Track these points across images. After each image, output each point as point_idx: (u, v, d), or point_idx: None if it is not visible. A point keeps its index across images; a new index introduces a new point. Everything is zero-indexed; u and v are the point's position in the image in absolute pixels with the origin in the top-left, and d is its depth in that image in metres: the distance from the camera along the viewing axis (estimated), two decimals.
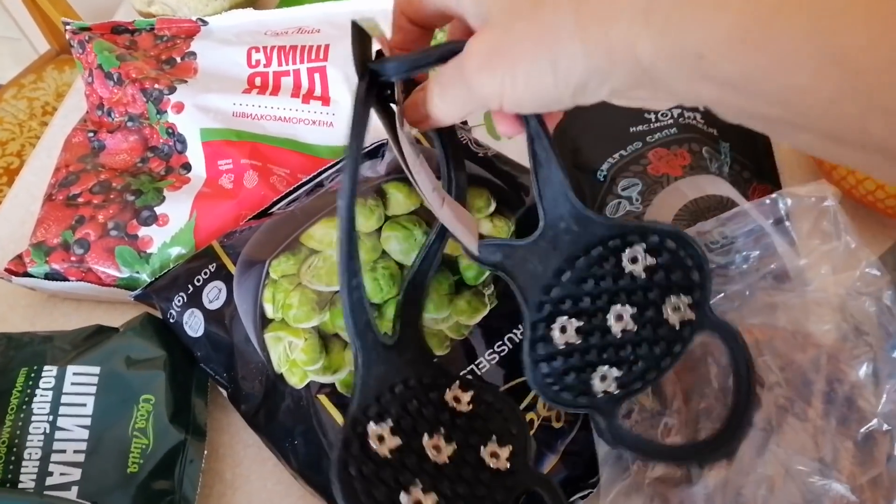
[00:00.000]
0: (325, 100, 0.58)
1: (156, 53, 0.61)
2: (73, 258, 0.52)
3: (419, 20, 0.33)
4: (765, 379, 0.42)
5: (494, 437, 0.30)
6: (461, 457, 0.29)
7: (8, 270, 0.53)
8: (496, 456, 0.30)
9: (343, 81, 0.58)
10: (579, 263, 0.32)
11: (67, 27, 0.62)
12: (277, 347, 0.44)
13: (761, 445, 0.39)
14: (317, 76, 0.58)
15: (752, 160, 0.55)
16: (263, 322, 0.45)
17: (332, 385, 0.42)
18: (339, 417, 0.41)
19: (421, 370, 0.31)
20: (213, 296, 0.47)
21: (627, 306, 0.32)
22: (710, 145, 0.54)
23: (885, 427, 0.38)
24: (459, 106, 0.31)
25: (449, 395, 0.31)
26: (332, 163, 0.53)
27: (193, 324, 0.47)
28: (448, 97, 0.31)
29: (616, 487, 0.41)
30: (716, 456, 0.35)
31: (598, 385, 0.32)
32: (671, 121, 0.55)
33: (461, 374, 0.43)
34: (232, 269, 0.47)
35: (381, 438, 0.28)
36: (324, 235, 0.46)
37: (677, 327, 0.33)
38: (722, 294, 0.45)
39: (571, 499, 0.42)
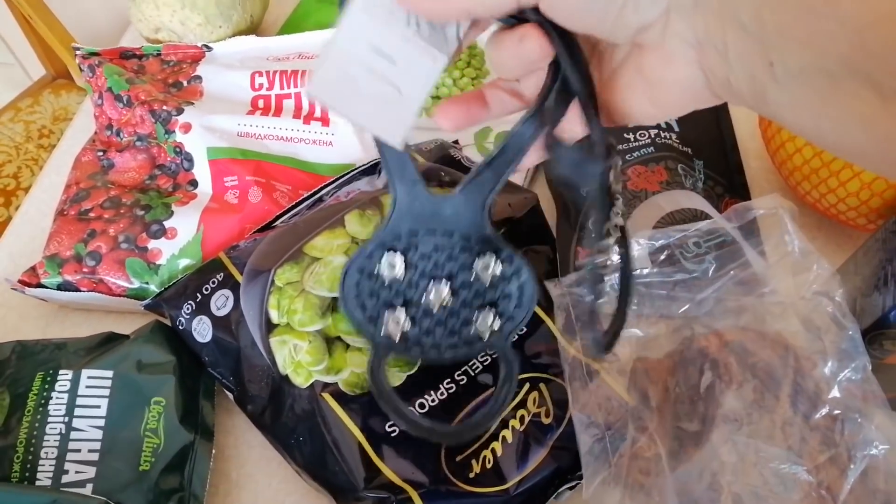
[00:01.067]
0: (325, 121, 0.61)
1: (163, 77, 0.64)
2: (85, 269, 0.55)
3: None
4: (737, 376, 0.46)
5: (495, 311, 0.33)
6: (455, 310, 0.33)
7: (22, 282, 0.55)
8: (483, 324, 0.33)
9: None
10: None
11: (78, 52, 0.65)
12: (283, 350, 0.47)
13: (734, 436, 0.43)
14: None
15: (724, 176, 0.59)
16: (269, 327, 0.47)
17: (336, 384, 0.45)
18: (342, 414, 0.44)
19: (468, 229, 0.32)
20: (221, 303, 0.50)
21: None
22: (685, 163, 0.58)
23: (836, 411, 0.41)
24: None
25: (480, 263, 0.33)
26: (331, 179, 0.57)
27: (202, 330, 0.50)
28: None
29: (598, 478, 0.44)
30: None
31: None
32: (648, 140, 0.59)
33: (455, 375, 0.46)
34: (239, 278, 0.50)
35: (392, 266, 0.32)
36: (325, 245, 0.49)
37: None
38: (695, 299, 0.49)
39: (560, 489, 0.45)
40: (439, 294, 0.33)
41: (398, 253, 0.32)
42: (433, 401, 0.45)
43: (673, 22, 0.25)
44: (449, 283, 0.33)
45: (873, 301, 0.46)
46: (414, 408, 0.45)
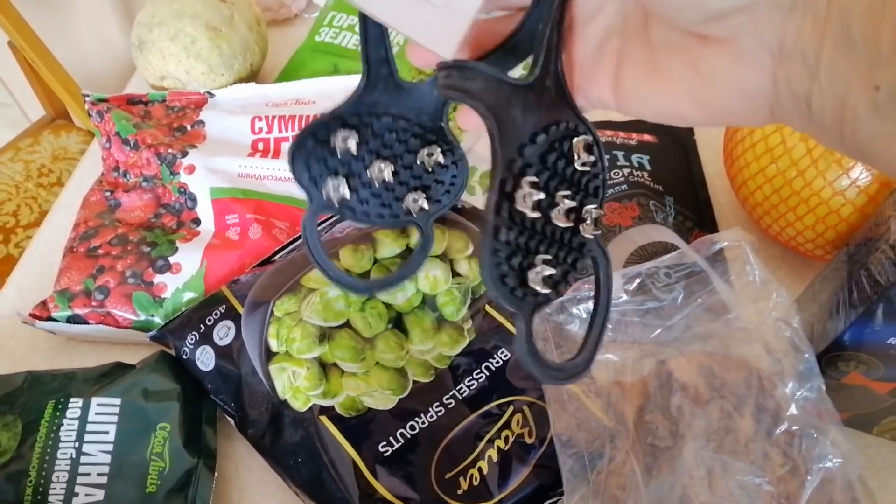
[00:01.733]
0: None
1: (168, 122, 0.68)
2: (93, 303, 0.58)
3: None
4: (705, 396, 0.49)
5: (426, 194, 0.34)
6: (391, 186, 0.34)
7: (33, 315, 0.58)
8: (414, 203, 0.34)
9: None
10: (552, 132, 0.28)
11: (87, 98, 0.69)
12: (282, 377, 0.50)
13: (702, 452, 0.46)
14: None
15: (693, 211, 0.63)
16: (269, 355, 0.51)
17: (332, 407, 0.48)
18: (338, 435, 0.47)
19: (418, 113, 0.34)
20: (223, 333, 0.53)
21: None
22: (657, 199, 0.62)
23: (794, 427, 0.45)
24: None
25: (426, 150, 0.34)
26: (327, 217, 0.61)
27: (205, 359, 0.53)
28: None
29: (578, 494, 0.47)
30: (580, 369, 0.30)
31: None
32: (622, 179, 0.63)
33: (443, 399, 0.50)
34: (240, 309, 0.53)
35: (345, 140, 0.33)
36: (320, 277, 0.52)
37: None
38: (666, 325, 0.53)
39: None
40: (381, 172, 0.33)
41: (353, 129, 0.33)
42: (423, 423, 0.48)
43: (758, 18, 0.21)
44: (392, 163, 0.34)
45: (828, 326, 0.50)
46: (405, 430, 0.48)
